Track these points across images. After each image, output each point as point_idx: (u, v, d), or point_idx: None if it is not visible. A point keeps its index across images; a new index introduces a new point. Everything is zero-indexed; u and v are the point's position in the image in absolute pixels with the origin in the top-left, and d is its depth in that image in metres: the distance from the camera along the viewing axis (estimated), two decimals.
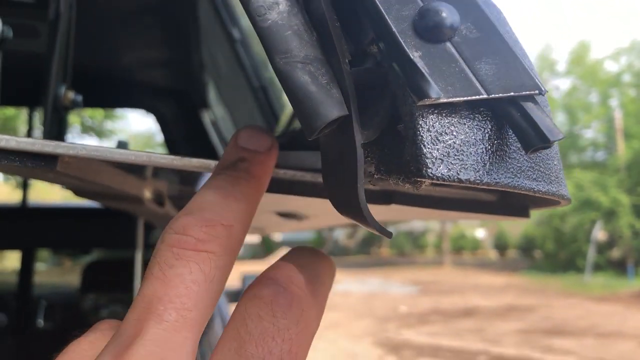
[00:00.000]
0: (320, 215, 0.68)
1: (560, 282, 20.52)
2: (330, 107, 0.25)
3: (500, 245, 37.11)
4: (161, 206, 0.81)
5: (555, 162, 0.32)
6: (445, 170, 0.25)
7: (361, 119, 0.26)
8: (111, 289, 2.92)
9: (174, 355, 0.21)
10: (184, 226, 0.24)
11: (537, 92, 0.26)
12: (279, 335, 0.22)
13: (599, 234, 22.51)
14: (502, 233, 37.91)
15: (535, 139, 0.25)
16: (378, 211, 0.42)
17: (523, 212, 0.41)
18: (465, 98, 0.25)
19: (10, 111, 12.29)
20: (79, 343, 0.25)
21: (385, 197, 0.38)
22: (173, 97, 2.17)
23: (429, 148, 0.25)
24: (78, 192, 0.78)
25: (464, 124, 0.26)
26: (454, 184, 0.25)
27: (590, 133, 27.59)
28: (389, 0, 0.25)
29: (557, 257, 23.54)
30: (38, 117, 2.57)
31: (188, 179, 0.64)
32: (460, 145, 0.26)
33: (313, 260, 0.28)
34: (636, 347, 9.14)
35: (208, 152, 2.03)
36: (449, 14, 0.25)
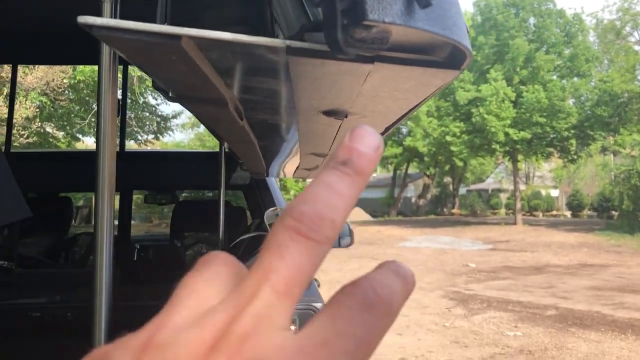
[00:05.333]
0: (353, 110, 0.87)
1: (637, 241, 19.78)
2: None
3: (575, 205, 35.97)
4: (240, 119, 1.00)
5: (451, 18, 0.50)
6: (377, 16, 0.46)
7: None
8: (198, 229, 3.21)
9: (280, 317, 0.27)
10: (300, 214, 0.28)
11: None
12: (362, 324, 0.27)
13: None
14: (577, 192, 36.68)
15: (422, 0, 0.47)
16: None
17: (456, 66, 0.60)
18: None
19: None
20: (194, 278, 0.30)
21: (369, 59, 0.58)
22: None
23: (369, 6, 0.46)
24: (176, 97, 0.95)
25: None
26: (382, 24, 0.46)
27: None
28: None
29: (635, 216, 22.67)
30: None
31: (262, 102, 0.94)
32: (385, 3, 0.46)
33: (405, 282, 0.31)
34: None
35: None
36: None
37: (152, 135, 19.16)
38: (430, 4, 0.46)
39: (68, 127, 14.33)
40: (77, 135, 15.44)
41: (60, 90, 12.08)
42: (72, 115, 14.43)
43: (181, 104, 1.04)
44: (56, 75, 11.52)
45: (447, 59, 0.58)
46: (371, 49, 0.52)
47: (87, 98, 14.08)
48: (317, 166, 1.87)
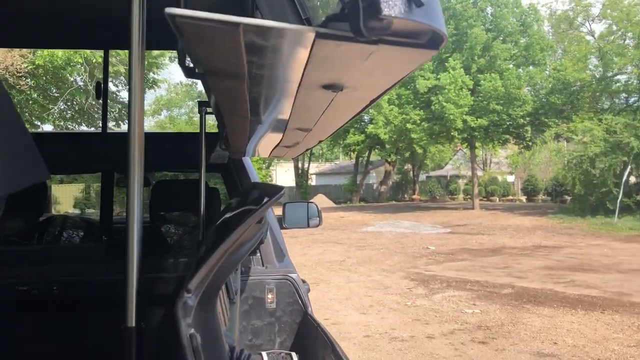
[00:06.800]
0: (349, 84, 1.03)
1: (587, 224, 20.70)
2: None
3: (530, 190, 37.16)
4: (248, 94, 1.10)
5: (435, 11, 0.71)
6: (387, 12, 0.65)
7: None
8: (176, 208, 3.26)
9: None
10: None
11: None
12: None
13: (630, 177, 22.53)
14: (532, 177, 37.89)
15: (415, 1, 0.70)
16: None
17: (435, 46, 0.80)
18: None
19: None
20: None
21: (375, 42, 0.76)
22: None
23: (382, 5, 0.65)
24: (202, 74, 1.07)
25: None
26: (391, 17, 0.66)
27: (624, 77, 27.07)
28: None
29: (586, 200, 23.59)
30: None
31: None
32: (392, 3, 0.66)
33: None
34: None
35: None
36: None
37: (113, 123, 18.88)
38: (423, 4, 0.65)
39: (27, 114, 14.01)
40: (36, 122, 15.11)
41: (19, 75, 11.80)
42: (30, 102, 14.10)
43: (202, 79, 1.16)
44: (15, 59, 11.26)
45: (428, 42, 0.77)
46: (378, 34, 0.71)
47: (47, 85, 13.81)
48: (298, 143, 2.02)
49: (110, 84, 17.73)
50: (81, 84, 15.11)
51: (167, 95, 48.72)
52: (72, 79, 15.46)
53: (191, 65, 1.27)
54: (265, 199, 1.23)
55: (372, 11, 0.66)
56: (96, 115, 17.46)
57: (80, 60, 13.39)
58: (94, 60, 13.70)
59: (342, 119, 1.42)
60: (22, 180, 0.93)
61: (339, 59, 0.85)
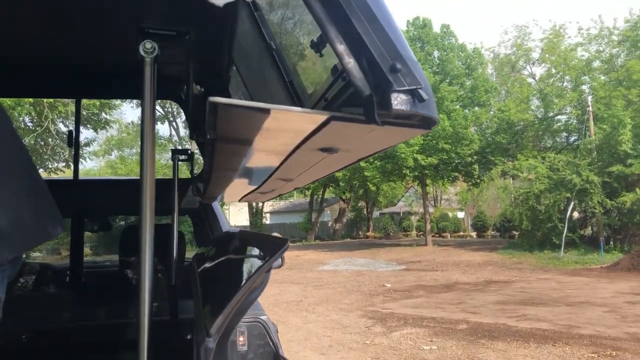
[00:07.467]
0: (344, 148, 1.13)
1: (536, 258, 21.36)
2: (365, 87, 0.85)
3: (480, 226, 38.11)
4: (249, 154, 1.18)
5: (431, 103, 0.88)
6: (396, 106, 0.81)
7: (376, 95, 0.86)
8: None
9: None
10: None
11: (420, 86, 0.86)
12: None
13: (573, 212, 23.47)
14: (481, 214, 38.92)
15: (418, 101, 0.85)
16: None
17: (427, 127, 0.92)
18: (398, 88, 0.85)
19: (9, 101, 12.64)
20: None
21: (381, 123, 0.87)
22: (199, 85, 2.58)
23: (392, 100, 0.82)
24: (213, 139, 1.12)
25: (402, 95, 0.86)
26: (401, 110, 0.83)
27: (564, 118, 28.53)
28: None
29: (534, 235, 24.35)
30: None
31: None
32: (401, 99, 0.84)
33: None
34: (603, 314, 9.91)
35: None
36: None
37: (63, 164, 18.44)
38: (424, 100, 0.79)
39: None
40: None
41: None
42: None
43: (211, 143, 1.24)
44: None
45: (421, 123, 0.90)
46: (385, 119, 0.85)
47: None
48: (274, 190, 2.12)
49: (61, 125, 17.42)
50: (30, 124, 14.77)
51: (118, 135, 47.93)
52: (20, 119, 15.13)
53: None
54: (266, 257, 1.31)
55: (385, 105, 0.79)
56: (45, 157, 17.05)
57: (30, 100, 13.17)
58: (45, 100, 13.49)
59: (325, 172, 1.53)
60: (40, 236, 0.94)
61: (344, 133, 0.97)
